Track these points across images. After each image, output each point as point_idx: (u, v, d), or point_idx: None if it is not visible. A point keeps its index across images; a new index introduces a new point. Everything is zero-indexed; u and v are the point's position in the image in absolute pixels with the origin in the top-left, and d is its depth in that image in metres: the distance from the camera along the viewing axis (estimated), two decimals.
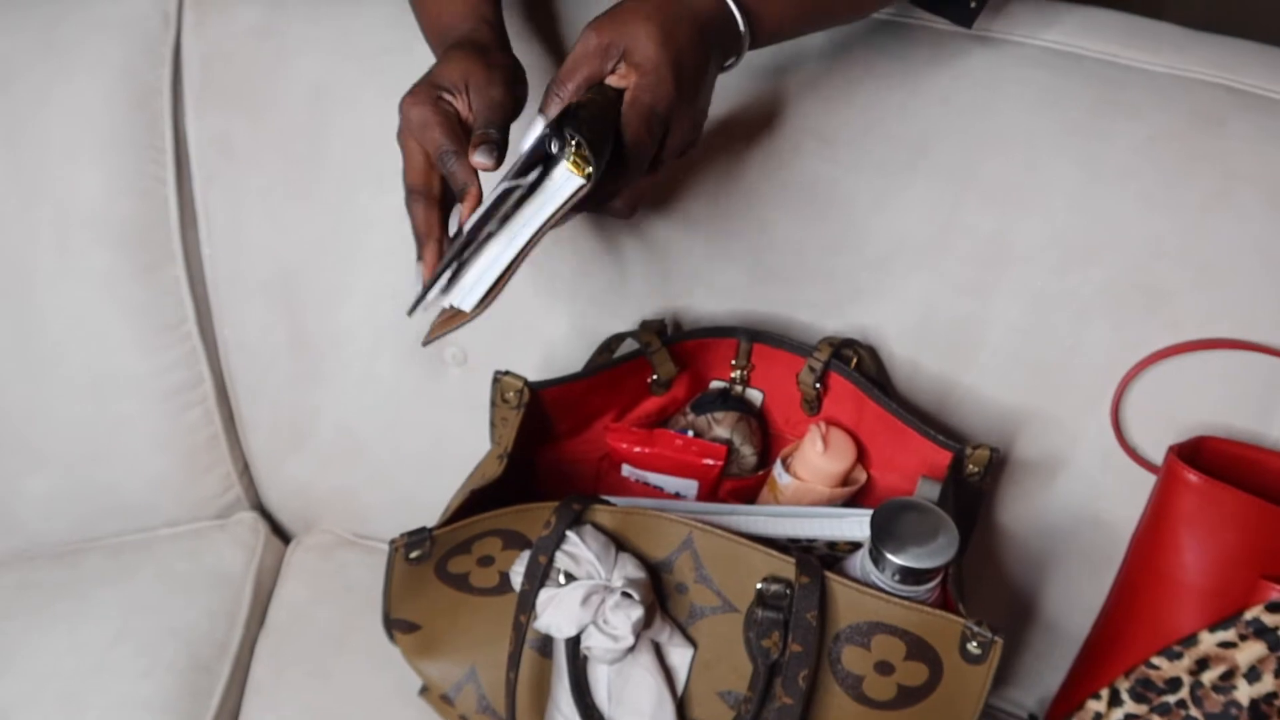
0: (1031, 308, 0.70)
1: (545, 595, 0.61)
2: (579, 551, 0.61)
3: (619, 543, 0.62)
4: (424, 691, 0.75)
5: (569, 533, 0.61)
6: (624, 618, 0.59)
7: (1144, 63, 0.70)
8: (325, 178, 0.81)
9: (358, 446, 0.88)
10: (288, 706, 0.79)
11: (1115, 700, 0.67)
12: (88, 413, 0.87)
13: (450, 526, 0.64)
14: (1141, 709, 0.66)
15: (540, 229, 0.54)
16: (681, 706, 0.65)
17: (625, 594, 0.60)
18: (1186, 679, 0.64)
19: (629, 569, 0.61)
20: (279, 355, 0.86)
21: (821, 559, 0.68)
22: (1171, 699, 0.64)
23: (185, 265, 0.85)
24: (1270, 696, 0.61)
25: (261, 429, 0.90)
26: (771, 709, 0.61)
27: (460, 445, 0.75)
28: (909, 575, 0.58)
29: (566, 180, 0.52)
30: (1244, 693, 0.61)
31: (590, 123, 0.53)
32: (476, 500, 0.65)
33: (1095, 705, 0.68)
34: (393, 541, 0.64)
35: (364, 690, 0.79)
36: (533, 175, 0.54)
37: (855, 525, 0.65)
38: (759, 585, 0.60)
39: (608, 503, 0.63)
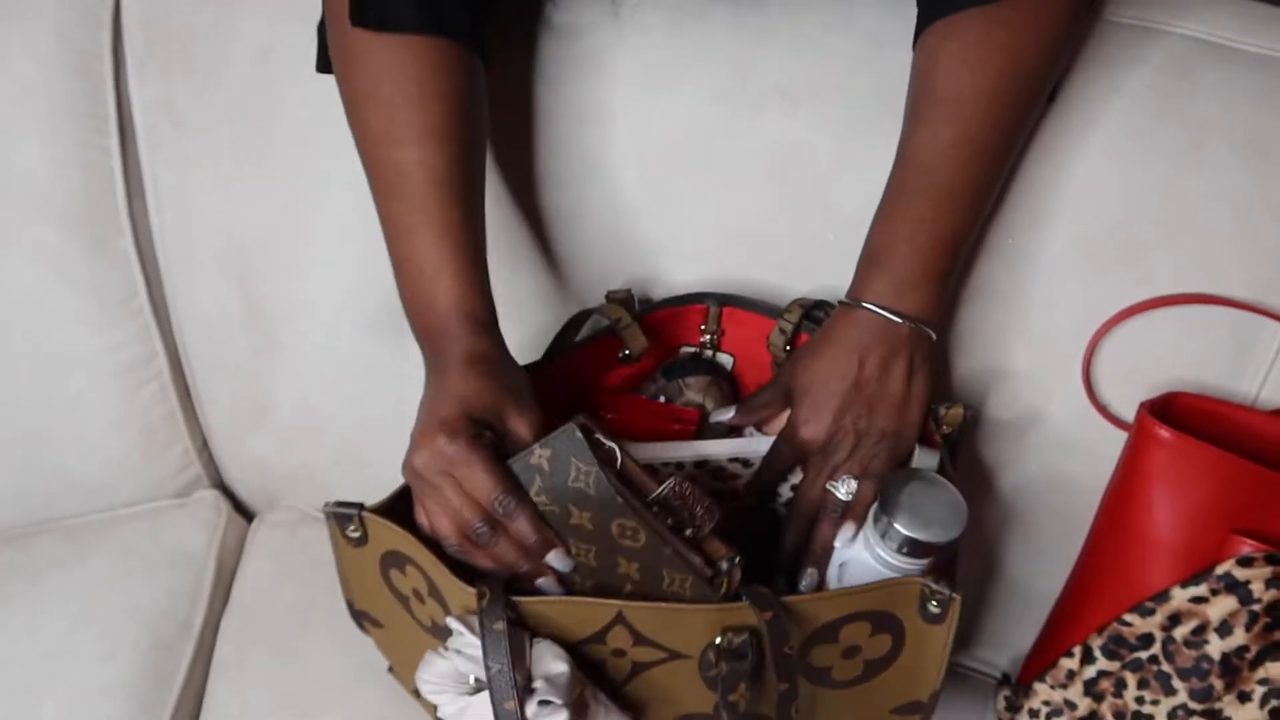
0: (1002, 265, 0.69)
1: (454, 707, 0.55)
2: (478, 654, 0.54)
3: (533, 630, 0.55)
4: (393, 669, 0.74)
5: (466, 633, 0.55)
6: None
7: (1112, 15, 0.68)
8: (277, 143, 0.78)
9: (319, 421, 0.86)
10: (254, 686, 0.78)
11: (1088, 657, 0.67)
12: (38, 393, 0.85)
13: (379, 520, 0.58)
14: (1114, 665, 0.66)
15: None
16: None
17: (544, 702, 0.53)
18: (1159, 635, 0.64)
19: (547, 663, 0.55)
20: (235, 329, 0.83)
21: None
22: (1144, 655, 0.65)
23: (134, 238, 0.82)
24: (1241, 650, 0.61)
25: (220, 405, 0.88)
26: None
27: None
28: (917, 548, 0.57)
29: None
30: (1215, 647, 0.61)
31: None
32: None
33: (1068, 663, 0.68)
34: (325, 506, 0.60)
35: (331, 668, 0.78)
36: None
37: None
38: (718, 640, 0.55)
39: (515, 593, 0.55)
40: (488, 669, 0.53)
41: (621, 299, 0.70)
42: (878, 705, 0.61)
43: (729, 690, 0.54)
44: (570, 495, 0.55)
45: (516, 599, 0.55)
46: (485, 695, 0.53)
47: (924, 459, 0.66)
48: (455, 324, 0.60)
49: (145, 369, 0.86)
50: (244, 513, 0.95)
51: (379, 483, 0.69)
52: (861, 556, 0.60)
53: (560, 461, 0.55)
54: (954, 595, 0.55)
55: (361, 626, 0.67)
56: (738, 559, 0.56)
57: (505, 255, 0.76)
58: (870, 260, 0.63)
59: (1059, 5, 0.60)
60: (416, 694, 0.69)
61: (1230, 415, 0.66)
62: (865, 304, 0.62)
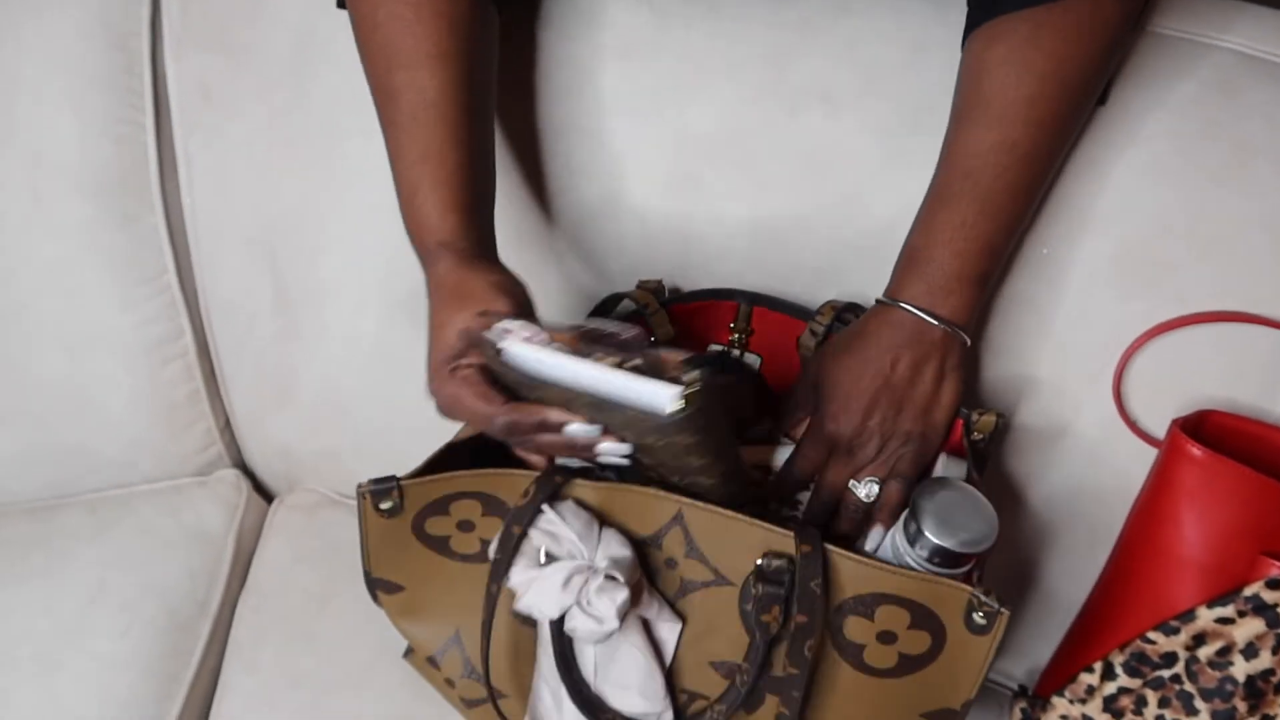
0: (1037, 276, 0.69)
1: (525, 576, 0.58)
2: (559, 530, 0.58)
3: (603, 519, 0.60)
4: (409, 654, 0.74)
5: (548, 509, 0.58)
6: (608, 601, 0.56)
7: (1159, 27, 0.68)
8: (310, 126, 0.78)
9: (342, 405, 0.86)
10: (269, 668, 0.78)
11: (1109, 674, 0.67)
12: (63, 368, 0.85)
13: (421, 479, 0.61)
14: (1135, 683, 0.66)
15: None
16: (671, 676, 0.63)
17: (609, 576, 0.57)
18: (1182, 654, 0.63)
19: (613, 547, 0.59)
20: (261, 310, 0.83)
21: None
22: (1166, 673, 0.64)
23: (165, 215, 0.82)
24: (1267, 673, 0.61)
25: (243, 385, 0.88)
26: (769, 677, 0.60)
27: None
28: (948, 558, 0.57)
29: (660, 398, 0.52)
30: (1240, 669, 0.61)
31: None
32: (454, 453, 0.63)
33: (1088, 678, 0.68)
34: (360, 486, 0.61)
35: (347, 652, 0.78)
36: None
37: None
38: (759, 561, 0.58)
39: (592, 476, 0.60)
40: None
41: (653, 288, 0.70)
42: (909, 705, 0.61)
43: (763, 610, 0.56)
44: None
45: (582, 482, 0.59)
46: (554, 567, 0.57)
47: (951, 468, 0.65)
48: (432, 249, 0.61)
49: (171, 347, 0.86)
50: (264, 494, 0.95)
51: (400, 467, 0.69)
52: (888, 556, 0.60)
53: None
54: (1003, 610, 0.55)
55: (375, 597, 0.67)
56: (697, 363, 0.55)
57: (535, 245, 0.76)
58: (909, 261, 0.63)
59: (1109, 10, 0.59)
60: (432, 664, 0.69)
61: (1264, 435, 0.65)
62: (902, 304, 0.62)
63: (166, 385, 0.87)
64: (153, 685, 0.76)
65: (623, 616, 0.57)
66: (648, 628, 0.62)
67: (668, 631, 0.62)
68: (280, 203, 0.79)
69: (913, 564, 0.58)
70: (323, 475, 0.90)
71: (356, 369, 0.84)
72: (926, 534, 0.56)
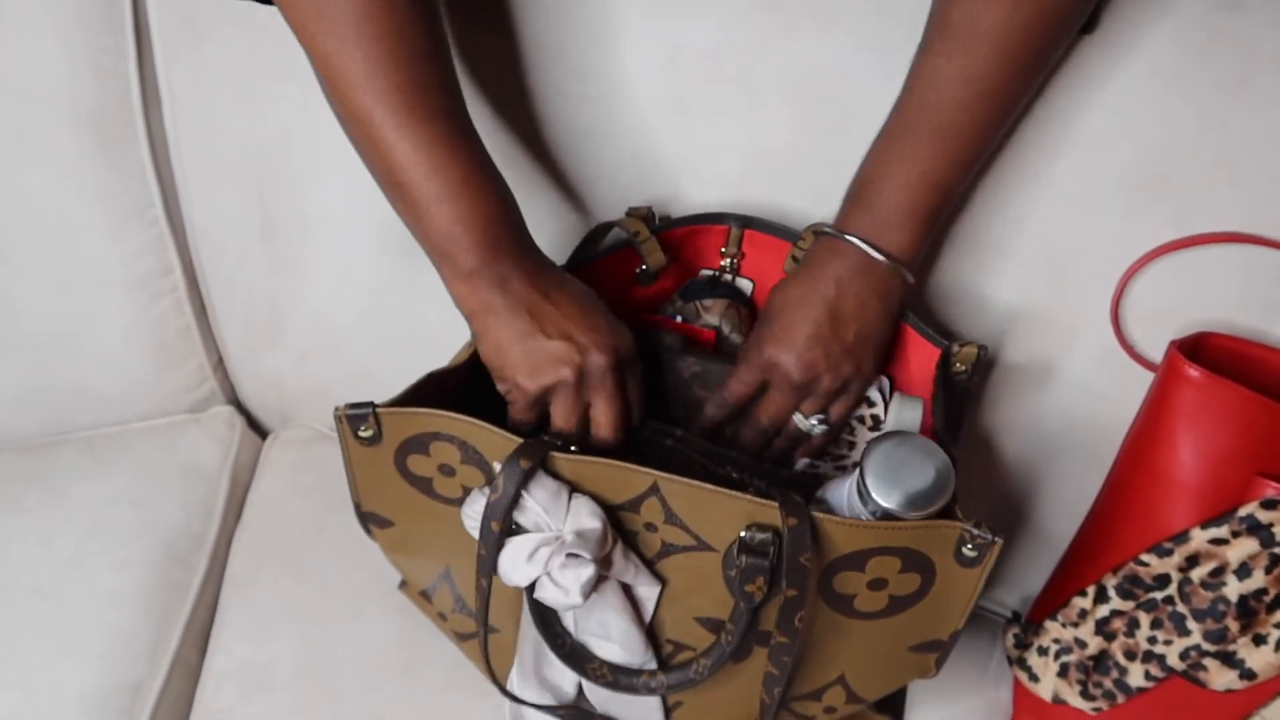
0: (1032, 197, 0.67)
1: None
2: (525, 501, 0.56)
3: (574, 486, 0.57)
4: (404, 585, 0.74)
5: None
6: (573, 577, 0.55)
7: None
8: (297, 53, 0.76)
9: (335, 339, 0.85)
10: (266, 600, 0.78)
11: (1101, 597, 0.66)
12: (53, 303, 0.84)
13: (398, 409, 0.59)
14: (1128, 605, 0.65)
15: None
16: (653, 631, 0.62)
17: (573, 554, 0.55)
18: (1175, 575, 0.63)
19: (583, 519, 0.56)
20: (250, 243, 0.82)
21: (801, 479, 0.66)
22: (1159, 595, 0.64)
23: (150, 146, 0.81)
24: (1260, 593, 0.60)
25: (235, 321, 0.87)
26: (756, 631, 0.59)
27: (441, 338, 0.72)
28: (896, 520, 0.55)
29: None
30: (1233, 589, 0.61)
31: None
32: (434, 385, 0.61)
33: (1081, 602, 0.68)
34: (336, 410, 0.60)
35: (343, 584, 0.78)
36: None
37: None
38: (742, 534, 0.55)
39: (562, 450, 0.57)
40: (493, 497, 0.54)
41: (642, 215, 0.69)
42: (897, 641, 0.61)
43: (747, 580, 0.54)
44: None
45: (557, 455, 0.56)
46: (521, 539, 0.55)
47: (907, 408, 0.64)
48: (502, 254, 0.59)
49: (161, 282, 0.85)
50: (259, 430, 0.95)
51: None
52: (844, 512, 0.58)
53: None
54: (995, 540, 0.54)
55: (368, 530, 0.67)
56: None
57: (523, 175, 0.74)
58: (858, 192, 0.62)
59: None
60: (425, 597, 0.69)
61: (1262, 357, 0.64)
62: (847, 235, 0.60)
63: (158, 321, 0.86)
64: (153, 617, 0.77)
65: (589, 592, 0.56)
66: (626, 589, 0.61)
67: (646, 591, 0.61)
68: (265, 132, 0.78)
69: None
70: (315, 410, 0.90)
71: (348, 302, 0.83)
72: (876, 498, 0.54)
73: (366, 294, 0.82)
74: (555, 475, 0.57)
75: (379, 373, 0.84)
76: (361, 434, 0.60)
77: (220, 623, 0.78)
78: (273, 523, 0.84)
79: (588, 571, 0.55)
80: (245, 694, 0.73)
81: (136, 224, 0.82)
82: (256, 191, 0.80)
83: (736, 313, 0.70)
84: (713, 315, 0.70)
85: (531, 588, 0.56)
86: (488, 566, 0.57)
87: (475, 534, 0.57)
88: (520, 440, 0.56)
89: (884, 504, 0.54)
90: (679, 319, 0.70)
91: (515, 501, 0.55)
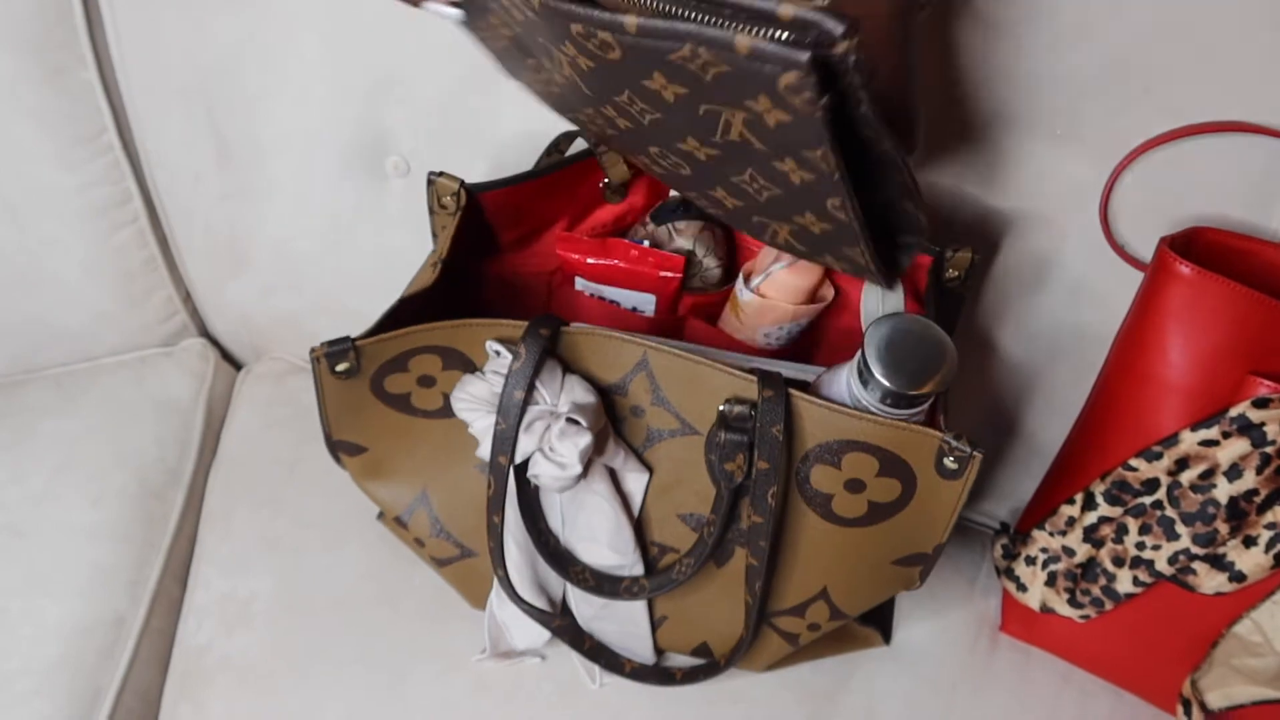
0: (1018, 92, 0.64)
1: (486, 423, 0.56)
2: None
3: (566, 365, 0.58)
4: (382, 516, 0.73)
5: (505, 353, 0.56)
6: (571, 446, 0.55)
7: None
8: None
9: (299, 268, 0.83)
10: (244, 533, 0.77)
11: (1090, 504, 0.65)
12: (8, 235, 0.81)
13: (376, 338, 0.58)
14: (1116, 511, 0.64)
15: None
16: (640, 529, 0.62)
17: (571, 420, 0.56)
18: (1164, 479, 0.61)
19: (577, 393, 0.57)
20: (205, 168, 0.79)
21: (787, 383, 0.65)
22: (1147, 500, 0.62)
23: (98, 69, 0.77)
24: (1250, 494, 0.59)
25: (196, 251, 0.85)
26: (737, 529, 0.59)
27: (408, 263, 0.70)
28: (900, 400, 0.54)
29: None
30: (1223, 490, 0.59)
31: None
32: (408, 309, 0.60)
33: (1069, 510, 0.66)
34: (312, 350, 0.59)
35: (321, 515, 0.77)
36: None
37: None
38: (721, 407, 0.56)
39: (561, 323, 0.58)
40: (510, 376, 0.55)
41: None
42: (879, 553, 0.60)
43: (726, 458, 0.55)
44: None
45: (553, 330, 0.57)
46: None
47: (890, 297, 0.62)
48: None
49: (119, 211, 0.83)
50: (234, 364, 0.93)
51: (360, 328, 0.67)
52: (844, 400, 0.57)
53: None
54: (975, 453, 0.53)
55: (338, 459, 0.66)
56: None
57: (486, 87, 0.71)
58: None
59: None
60: (400, 524, 0.68)
61: (1255, 251, 0.61)
62: None
63: (119, 252, 0.84)
64: (131, 552, 0.76)
65: (586, 462, 0.56)
66: (615, 479, 0.61)
67: (635, 482, 0.61)
68: (212, 48, 0.74)
69: (870, 409, 0.55)
70: (287, 342, 0.88)
71: (308, 228, 0.80)
72: (879, 377, 0.53)
73: (329, 219, 0.79)
74: (550, 353, 0.57)
75: (346, 303, 0.82)
76: (339, 369, 0.59)
77: (199, 557, 0.77)
78: (249, 456, 0.83)
79: (585, 439, 0.55)
80: (227, 627, 0.72)
81: (89, 151, 0.79)
82: (206, 113, 0.77)
83: (711, 235, 0.67)
84: (685, 239, 0.67)
85: (522, 470, 0.57)
86: (508, 440, 0.56)
87: (467, 416, 0.57)
88: (511, 322, 0.57)
89: (886, 381, 0.53)
90: (649, 244, 0.68)
91: (539, 368, 0.55)
